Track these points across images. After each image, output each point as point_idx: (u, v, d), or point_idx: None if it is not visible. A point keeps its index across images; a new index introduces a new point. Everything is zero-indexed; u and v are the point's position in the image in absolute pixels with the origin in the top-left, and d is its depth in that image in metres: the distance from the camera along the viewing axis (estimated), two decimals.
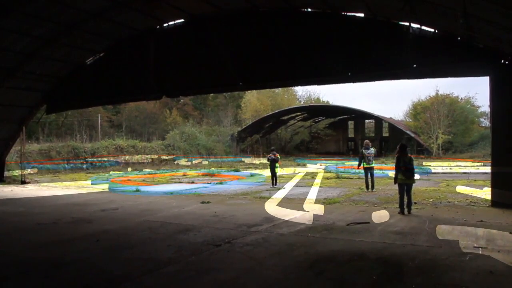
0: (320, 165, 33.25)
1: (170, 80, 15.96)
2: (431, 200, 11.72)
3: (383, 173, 20.34)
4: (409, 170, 9.52)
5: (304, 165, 33.67)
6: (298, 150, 56.27)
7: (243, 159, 41.49)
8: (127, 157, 36.42)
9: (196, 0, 13.51)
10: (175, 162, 38.39)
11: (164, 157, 39.78)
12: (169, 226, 8.63)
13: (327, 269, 5.49)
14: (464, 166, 26.75)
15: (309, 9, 13.29)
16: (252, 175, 24.20)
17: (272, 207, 10.81)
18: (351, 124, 61.52)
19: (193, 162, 39.12)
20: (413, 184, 9.88)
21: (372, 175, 14.12)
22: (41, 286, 5.08)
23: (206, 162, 39.31)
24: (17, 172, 22.09)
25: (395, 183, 9.79)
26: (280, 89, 57.47)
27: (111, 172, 28.13)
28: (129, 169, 32.19)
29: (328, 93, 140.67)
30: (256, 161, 40.36)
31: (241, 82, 14.65)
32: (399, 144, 10.01)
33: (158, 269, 5.60)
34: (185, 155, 41.60)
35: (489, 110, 11.91)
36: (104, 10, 13.86)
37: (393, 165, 10.38)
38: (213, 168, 29.76)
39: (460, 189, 14.10)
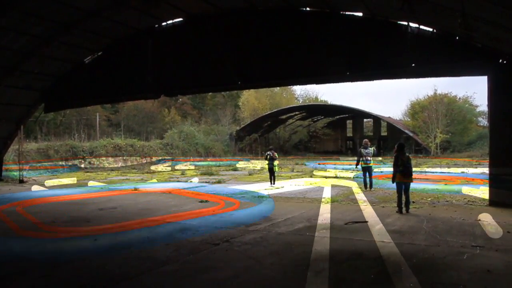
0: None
1: (169, 79, 15.95)
2: (429, 199, 11.74)
3: (382, 170, 20.05)
4: (407, 169, 9.54)
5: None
6: (297, 149, 56.36)
7: (238, 164, 33.81)
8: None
9: None
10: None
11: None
12: (168, 225, 8.62)
13: (325, 268, 5.49)
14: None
15: (308, 8, 13.30)
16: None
17: (270, 206, 10.81)
18: (349, 123, 61.63)
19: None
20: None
21: (370, 174, 14.15)
22: (39, 285, 5.07)
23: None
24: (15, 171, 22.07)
25: (393, 182, 9.80)
26: (278, 88, 57.58)
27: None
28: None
29: (326, 92, 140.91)
30: (255, 162, 34.72)
31: (239, 81, 14.65)
32: (397, 144, 10.02)
33: (156, 268, 5.60)
34: (184, 154, 41.45)
35: (487, 109, 11.93)
36: (103, 9, 13.86)
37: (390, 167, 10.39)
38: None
39: None
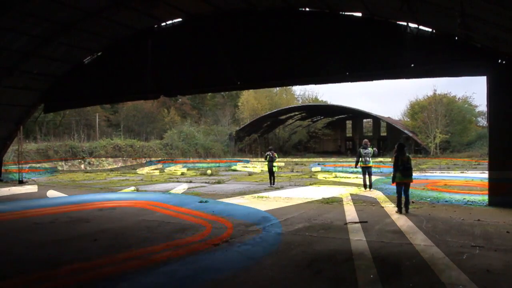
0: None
1: (168, 79, 15.96)
2: (429, 199, 11.75)
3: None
4: (407, 170, 9.54)
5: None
6: (296, 150, 56.46)
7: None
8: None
9: None
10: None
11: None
12: (167, 225, 8.62)
13: (325, 268, 5.49)
14: None
15: (307, 9, 13.31)
16: None
17: (270, 206, 10.81)
18: (349, 123, 61.75)
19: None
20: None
21: (370, 174, 14.14)
22: (38, 285, 5.06)
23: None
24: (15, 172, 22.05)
25: (393, 182, 9.81)
26: (277, 88, 57.70)
27: None
28: None
29: (326, 93, 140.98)
30: (255, 163, 32.78)
31: (239, 81, 14.65)
32: (397, 144, 10.01)
33: (156, 268, 5.59)
34: (183, 155, 41.44)
35: (486, 109, 11.92)
36: (102, 9, 13.86)
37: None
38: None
39: None
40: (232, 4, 13.92)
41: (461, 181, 17.19)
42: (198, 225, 8.56)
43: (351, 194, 13.20)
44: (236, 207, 11.02)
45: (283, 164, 31.64)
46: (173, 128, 47.63)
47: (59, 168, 31.04)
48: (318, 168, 28.02)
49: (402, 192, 9.60)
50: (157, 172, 28.44)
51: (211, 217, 9.47)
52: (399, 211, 9.52)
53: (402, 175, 9.54)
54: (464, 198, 11.73)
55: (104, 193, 15.34)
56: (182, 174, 26.23)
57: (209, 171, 26.92)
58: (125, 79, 16.61)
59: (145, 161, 37.09)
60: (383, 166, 25.57)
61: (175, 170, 29.54)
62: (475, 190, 13.75)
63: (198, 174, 25.66)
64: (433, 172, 23.07)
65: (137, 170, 30.54)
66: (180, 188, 16.54)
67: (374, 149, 14.55)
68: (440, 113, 44.12)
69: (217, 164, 35.72)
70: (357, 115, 56.87)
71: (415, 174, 12.22)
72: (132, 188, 16.91)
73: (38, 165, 28.47)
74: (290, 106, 53.69)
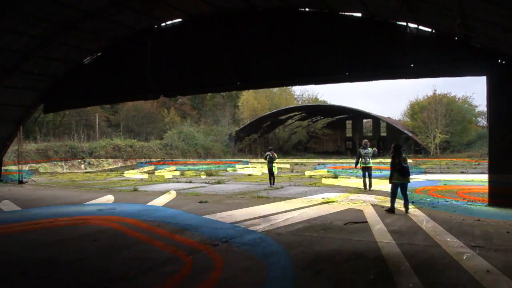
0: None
1: (168, 79, 15.95)
2: (429, 199, 11.75)
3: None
4: (404, 170, 9.56)
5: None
6: (296, 150, 56.41)
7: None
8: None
9: (194, 0, 13.55)
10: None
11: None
12: (167, 226, 8.61)
13: (325, 268, 5.49)
14: None
15: (307, 9, 13.31)
16: None
17: (270, 207, 10.80)
18: (349, 123, 61.67)
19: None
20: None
21: (370, 174, 14.13)
22: (39, 285, 5.06)
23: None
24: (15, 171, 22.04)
25: (390, 182, 9.83)
26: (277, 88, 57.62)
27: None
28: None
29: (326, 93, 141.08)
30: (256, 164, 31.80)
31: (239, 81, 14.65)
32: (393, 144, 10.05)
33: (155, 268, 5.59)
34: (183, 155, 41.39)
35: (486, 109, 11.90)
36: (102, 9, 13.86)
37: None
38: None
39: None
40: (232, 4, 13.92)
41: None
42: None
43: (351, 194, 13.19)
44: (237, 207, 11.01)
45: (288, 165, 31.17)
46: (173, 128, 47.59)
47: (59, 168, 31.04)
48: (318, 171, 27.54)
49: (398, 192, 9.63)
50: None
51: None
52: (392, 210, 9.54)
53: (400, 175, 9.57)
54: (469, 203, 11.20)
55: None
56: (182, 174, 26.11)
57: (202, 174, 24.28)
58: (125, 79, 16.59)
59: (144, 161, 36.92)
60: (383, 167, 25.41)
61: (172, 171, 27.43)
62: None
63: (197, 174, 25.60)
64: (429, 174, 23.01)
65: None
66: (174, 191, 14.93)
67: (374, 149, 14.54)
68: (440, 113, 44.10)
69: (216, 166, 34.76)
70: (357, 115, 56.81)
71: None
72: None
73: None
74: (290, 106, 53.66)
